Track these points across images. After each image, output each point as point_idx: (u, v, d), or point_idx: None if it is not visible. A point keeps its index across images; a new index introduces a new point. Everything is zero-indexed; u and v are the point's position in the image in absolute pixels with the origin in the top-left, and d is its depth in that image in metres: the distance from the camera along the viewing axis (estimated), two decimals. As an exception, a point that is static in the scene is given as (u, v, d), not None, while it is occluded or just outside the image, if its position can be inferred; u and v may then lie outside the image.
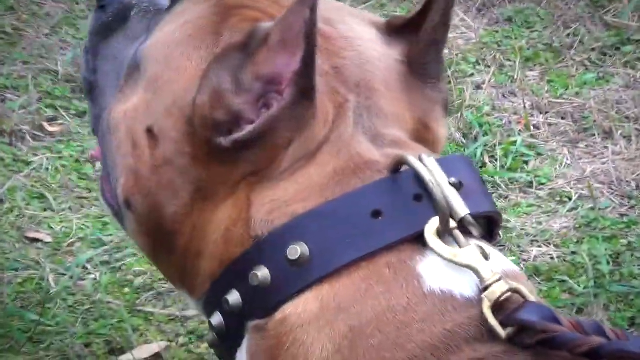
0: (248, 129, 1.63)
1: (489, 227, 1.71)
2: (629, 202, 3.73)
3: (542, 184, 3.76)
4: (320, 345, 1.58)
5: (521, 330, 1.52)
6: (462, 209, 1.59)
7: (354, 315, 1.59)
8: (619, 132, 3.97)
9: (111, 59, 1.96)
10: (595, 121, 4.02)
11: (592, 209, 3.63)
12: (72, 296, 3.45)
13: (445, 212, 1.59)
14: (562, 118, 4.08)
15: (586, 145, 3.90)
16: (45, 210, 3.78)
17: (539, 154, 3.95)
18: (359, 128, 1.69)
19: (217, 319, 1.71)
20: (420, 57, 1.79)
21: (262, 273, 1.63)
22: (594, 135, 3.99)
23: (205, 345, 3.26)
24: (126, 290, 3.49)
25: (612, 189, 3.75)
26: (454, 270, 1.60)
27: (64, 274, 3.52)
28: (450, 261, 1.57)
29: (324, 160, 1.68)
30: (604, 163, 3.85)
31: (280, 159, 1.67)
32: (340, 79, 1.72)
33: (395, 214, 1.62)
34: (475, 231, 1.62)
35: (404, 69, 1.78)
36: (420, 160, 1.61)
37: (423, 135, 1.78)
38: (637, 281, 3.34)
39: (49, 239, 3.67)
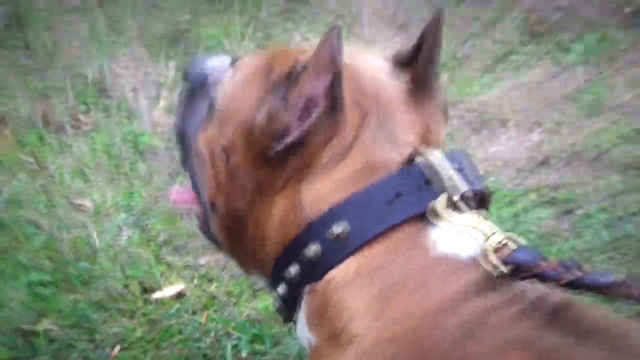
0: (295, 133, 1.72)
1: (482, 201, 1.77)
2: (520, 176, 3.79)
3: (455, 163, 3.79)
4: (359, 300, 1.66)
5: (517, 268, 1.60)
6: (463, 187, 1.69)
7: (382, 276, 1.66)
8: (511, 121, 4.02)
9: (194, 112, 2.03)
10: (493, 114, 4.05)
11: (495, 181, 3.70)
12: (111, 249, 3.53)
13: (451, 189, 1.69)
14: (468, 111, 4.11)
15: (487, 132, 3.93)
16: (86, 183, 3.84)
17: (453, 139, 3.97)
18: (380, 133, 1.77)
19: (282, 288, 1.82)
20: (419, 78, 1.86)
21: (315, 247, 1.72)
22: (492, 124, 4.03)
23: (215, 284, 3.39)
24: (151, 244, 3.58)
25: (508, 166, 3.81)
26: (458, 237, 1.68)
27: (104, 232, 3.59)
28: (458, 224, 1.68)
29: (355, 158, 1.75)
30: (501, 146, 3.89)
31: (320, 156, 1.74)
32: (363, 96, 1.80)
33: (411, 194, 1.70)
34: (473, 203, 1.71)
35: (409, 88, 1.86)
36: (428, 154, 1.72)
37: (428, 137, 1.85)
38: (533, 234, 3.48)
39: (90, 205, 3.73)
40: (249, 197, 1.86)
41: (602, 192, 3.72)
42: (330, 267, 1.72)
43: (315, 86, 1.72)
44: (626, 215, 3.58)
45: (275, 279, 1.85)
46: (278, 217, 1.82)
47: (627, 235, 3.52)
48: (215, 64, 2.07)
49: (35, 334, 3.14)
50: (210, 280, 3.46)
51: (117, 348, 3.15)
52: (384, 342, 1.61)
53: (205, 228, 2.07)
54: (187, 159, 2.08)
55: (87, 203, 3.76)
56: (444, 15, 1.83)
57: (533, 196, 3.66)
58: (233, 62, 2.04)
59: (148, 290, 3.39)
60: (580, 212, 3.64)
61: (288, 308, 1.85)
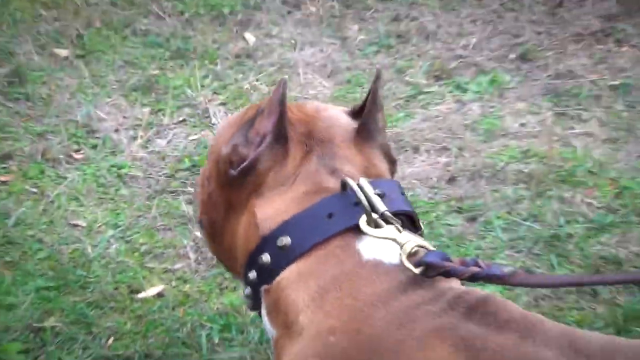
0: (247, 161, 1.83)
1: (411, 219, 1.83)
2: (433, 191, 3.87)
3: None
4: (301, 297, 1.71)
5: (427, 268, 1.64)
6: (382, 207, 1.72)
7: (319, 278, 1.71)
8: (423, 147, 4.10)
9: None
10: (408, 142, 4.14)
11: (412, 195, 3.75)
12: (103, 259, 3.57)
13: (368, 209, 1.72)
14: (388, 141, 4.14)
15: (404, 157, 4.01)
16: (80, 206, 3.88)
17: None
18: (321, 166, 1.85)
19: (247, 290, 1.89)
20: (362, 124, 1.92)
21: (266, 257, 1.80)
22: (408, 150, 4.11)
23: (188, 285, 3.44)
24: (135, 254, 3.62)
25: (422, 183, 3.89)
26: (381, 247, 1.72)
27: (96, 245, 3.64)
28: (376, 236, 1.70)
29: (298, 186, 1.83)
30: (415, 167, 3.98)
31: (267, 180, 1.84)
32: (310, 137, 1.89)
33: (341, 213, 1.76)
34: (395, 222, 1.71)
35: (358, 132, 1.92)
36: (358, 182, 1.77)
37: (370, 170, 1.89)
38: (445, 238, 3.55)
39: (84, 224, 3.78)
40: (222, 214, 1.96)
41: (499, 202, 3.80)
42: (278, 272, 1.77)
43: (266, 124, 1.83)
44: (519, 220, 3.66)
45: (243, 280, 1.91)
46: (243, 232, 1.90)
47: (520, 237, 3.62)
48: None
49: (43, 329, 3.18)
50: (185, 282, 3.50)
51: (111, 339, 3.20)
52: (325, 332, 1.64)
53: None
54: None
55: (82, 222, 3.80)
56: (381, 74, 1.93)
57: (443, 207, 3.74)
58: None
59: (134, 291, 3.43)
60: (482, 218, 3.72)
61: (254, 306, 1.89)
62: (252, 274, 1.84)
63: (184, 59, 4.96)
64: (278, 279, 1.77)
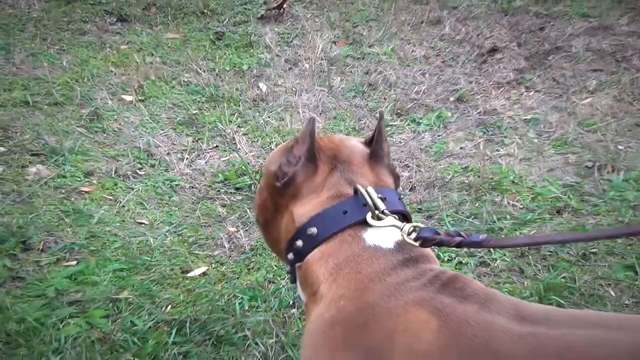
0: (288, 176, 1.80)
1: (405, 217, 1.79)
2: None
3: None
4: (322, 271, 1.70)
5: (423, 241, 1.65)
6: (382, 206, 1.70)
7: (335, 257, 1.69)
8: None
9: None
10: None
11: None
12: (161, 247, 3.44)
13: (373, 208, 1.70)
14: None
15: None
16: (143, 209, 3.76)
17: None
18: (342, 179, 1.80)
19: (287, 267, 1.86)
20: (375, 151, 1.88)
21: (299, 242, 1.76)
22: None
23: (225, 267, 3.33)
24: (185, 244, 3.48)
25: None
26: (380, 236, 1.70)
27: (156, 238, 3.51)
28: (379, 226, 1.70)
29: (324, 192, 1.79)
30: None
31: (302, 190, 1.81)
32: (335, 158, 1.84)
33: (353, 211, 1.73)
34: (395, 217, 1.70)
35: (370, 156, 1.88)
36: (366, 188, 1.74)
37: (378, 183, 1.84)
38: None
39: (147, 222, 3.65)
40: (272, 215, 1.91)
41: (448, 204, 3.71)
42: (307, 253, 1.75)
43: (301, 149, 1.81)
44: (464, 218, 3.56)
45: (285, 261, 1.87)
46: (285, 226, 1.86)
47: (465, 230, 3.47)
48: None
49: (119, 300, 3.08)
50: (222, 264, 3.38)
51: (169, 307, 3.09)
52: (337, 297, 1.64)
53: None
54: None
55: (145, 221, 3.67)
56: (383, 115, 1.93)
57: (408, 208, 3.58)
58: None
59: (185, 271, 3.31)
60: (436, 217, 3.62)
61: (292, 279, 1.86)
62: (290, 256, 1.80)
63: (216, 102, 4.85)
64: (307, 258, 1.75)
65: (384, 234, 1.73)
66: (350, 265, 1.68)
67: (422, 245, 1.67)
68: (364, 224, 1.73)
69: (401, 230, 1.70)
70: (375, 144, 1.89)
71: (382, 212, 1.72)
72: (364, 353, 1.57)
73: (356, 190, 1.77)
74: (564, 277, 3.12)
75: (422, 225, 1.71)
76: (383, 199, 1.75)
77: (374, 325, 1.58)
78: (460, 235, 1.72)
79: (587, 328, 1.49)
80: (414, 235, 1.70)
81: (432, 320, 1.54)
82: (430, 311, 1.55)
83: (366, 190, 1.76)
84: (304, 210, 1.81)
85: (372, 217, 1.72)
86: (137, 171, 4.09)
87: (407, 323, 1.55)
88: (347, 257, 1.70)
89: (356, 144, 1.94)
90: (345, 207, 1.76)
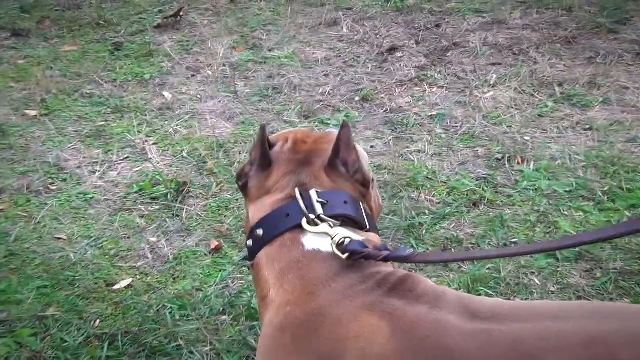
0: (241, 182, 1.90)
1: (351, 220, 1.80)
2: None
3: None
4: (270, 275, 1.73)
5: (350, 254, 1.67)
6: (320, 211, 1.73)
7: (280, 262, 1.72)
8: None
9: None
10: None
11: None
12: (83, 262, 3.40)
13: (306, 213, 1.73)
14: None
15: None
16: (60, 224, 3.73)
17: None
18: (293, 182, 1.81)
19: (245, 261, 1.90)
20: (331, 159, 1.85)
21: (250, 241, 1.80)
22: None
23: (150, 277, 3.31)
24: (107, 257, 3.45)
25: None
26: (319, 240, 1.72)
27: (77, 252, 3.48)
28: (313, 232, 1.71)
29: (275, 195, 1.81)
30: None
31: (254, 192, 1.86)
32: (299, 162, 1.85)
33: (295, 214, 1.74)
34: (330, 221, 1.72)
35: (328, 162, 1.85)
36: (309, 192, 1.77)
37: (334, 187, 1.84)
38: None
39: (65, 237, 3.61)
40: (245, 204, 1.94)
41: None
42: (256, 253, 1.78)
43: (255, 156, 1.87)
44: (383, 215, 3.60)
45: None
46: (246, 222, 1.90)
47: (386, 227, 3.55)
48: None
49: (46, 317, 3.04)
50: (147, 275, 3.36)
51: (98, 321, 3.06)
52: (284, 303, 1.66)
53: None
54: None
55: (63, 236, 3.62)
56: (346, 123, 1.86)
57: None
58: None
59: (110, 284, 3.29)
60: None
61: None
62: (245, 250, 1.86)
63: (122, 113, 4.81)
64: (256, 259, 1.77)
65: (323, 238, 1.74)
66: (292, 270, 1.71)
67: (348, 258, 1.69)
68: (302, 228, 1.75)
69: (332, 239, 1.74)
70: (332, 152, 1.87)
71: (318, 217, 1.74)
72: (317, 358, 1.60)
73: (302, 195, 1.78)
74: (488, 269, 3.21)
75: (355, 237, 1.72)
76: (324, 204, 1.76)
77: (324, 331, 1.61)
78: (387, 249, 1.79)
79: (536, 321, 1.56)
80: (343, 245, 1.73)
81: (383, 325, 1.57)
82: (380, 315, 1.59)
83: (307, 194, 1.78)
84: (255, 211, 1.83)
85: (308, 223, 1.74)
86: (49, 186, 4.02)
87: (358, 329, 1.58)
88: (289, 262, 1.72)
89: (326, 150, 1.92)
90: (288, 210, 1.78)
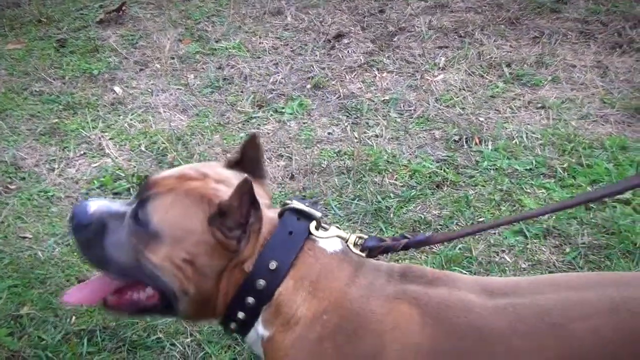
0: (236, 243, 1.77)
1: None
2: (281, 186, 3.85)
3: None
4: (300, 295, 1.71)
5: (370, 251, 1.76)
6: (317, 214, 1.79)
7: (308, 276, 1.72)
8: (264, 157, 4.03)
9: (113, 246, 1.77)
10: None
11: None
12: (52, 259, 3.39)
13: (319, 219, 1.77)
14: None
15: None
16: (24, 223, 3.71)
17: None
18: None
19: (241, 314, 1.76)
20: (254, 172, 1.89)
21: (262, 281, 1.72)
22: None
23: None
24: (75, 254, 3.37)
25: (272, 182, 3.85)
26: (332, 242, 1.78)
27: (45, 250, 3.46)
28: (326, 237, 1.76)
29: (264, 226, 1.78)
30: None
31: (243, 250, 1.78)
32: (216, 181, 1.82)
33: (297, 228, 1.76)
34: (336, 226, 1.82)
35: (256, 177, 1.85)
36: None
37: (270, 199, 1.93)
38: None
39: (31, 236, 3.58)
40: (216, 277, 1.76)
41: (331, 189, 3.80)
42: (276, 289, 1.73)
43: (242, 212, 1.71)
44: (349, 200, 3.66)
45: (228, 315, 1.79)
46: (227, 284, 1.77)
47: (353, 212, 3.62)
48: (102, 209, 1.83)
49: (21, 317, 3.03)
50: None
51: (74, 318, 3.04)
52: (319, 313, 1.68)
53: (158, 308, 1.82)
54: (110, 271, 1.82)
55: (29, 235, 3.58)
56: (256, 137, 1.92)
57: (291, 196, 3.67)
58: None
59: (81, 280, 3.17)
60: (322, 202, 3.68)
61: (245, 327, 1.78)
62: (249, 300, 1.76)
63: (74, 109, 4.73)
64: (279, 291, 1.73)
65: (331, 239, 1.78)
66: (324, 276, 1.72)
67: (368, 256, 1.77)
68: (311, 235, 1.76)
69: (346, 241, 1.78)
70: (252, 164, 1.89)
71: (319, 223, 1.78)
72: None
73: (282, 212, 1.78)
74: (460, 249, 3.28)
75: (364, 235, 1.80)
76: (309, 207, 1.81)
77: (362, 331, 1.65)
78: (405, 237, 1.83)
79: (555, 292, 1.63)
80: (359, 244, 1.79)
81: (413, 312, 1.64)
82: (409, 303, 1.65)
83: (291, 206, 1.78)
84: (248, 255, 1.75)
85: (318, 225, 1.77)
86: (8, 185, 3.97)
87: (393, 320, 1.64)
88: (319, 271, 1.73)
89: (231, 172, 1.88)
90: (287, 228, 1.75)
